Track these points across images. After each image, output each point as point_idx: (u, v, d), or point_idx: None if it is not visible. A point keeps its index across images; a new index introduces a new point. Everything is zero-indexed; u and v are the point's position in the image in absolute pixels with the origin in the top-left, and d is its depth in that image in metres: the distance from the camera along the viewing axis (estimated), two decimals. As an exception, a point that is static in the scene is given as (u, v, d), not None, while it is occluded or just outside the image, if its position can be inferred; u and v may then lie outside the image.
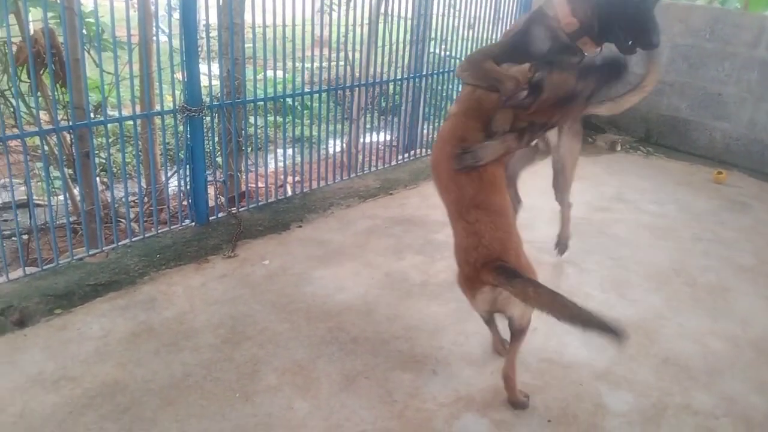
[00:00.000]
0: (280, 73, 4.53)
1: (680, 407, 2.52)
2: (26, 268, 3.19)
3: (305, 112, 4.85)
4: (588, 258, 3.66)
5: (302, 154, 4.64)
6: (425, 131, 5.90)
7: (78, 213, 4.33)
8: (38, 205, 3.81)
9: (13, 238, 3.97)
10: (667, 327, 3.05)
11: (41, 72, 4.04)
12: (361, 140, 5.60)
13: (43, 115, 4.38)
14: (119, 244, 3.50)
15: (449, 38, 5.68)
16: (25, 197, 3.75)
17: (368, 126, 5.73)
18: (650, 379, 2.67)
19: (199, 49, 3.71)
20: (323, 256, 3.52)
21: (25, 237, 3.77)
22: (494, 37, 5.97)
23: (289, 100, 4.84)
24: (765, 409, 2.55)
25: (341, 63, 5.10)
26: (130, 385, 2.45)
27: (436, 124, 5.79)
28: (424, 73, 5.66)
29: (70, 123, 3.42)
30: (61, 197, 4.01)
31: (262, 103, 4.45)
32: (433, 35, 5.71)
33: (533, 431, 2.34)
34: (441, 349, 2.77)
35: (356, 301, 3.09)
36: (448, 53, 5.91)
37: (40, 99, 4.12)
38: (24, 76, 3.93)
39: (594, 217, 4.23)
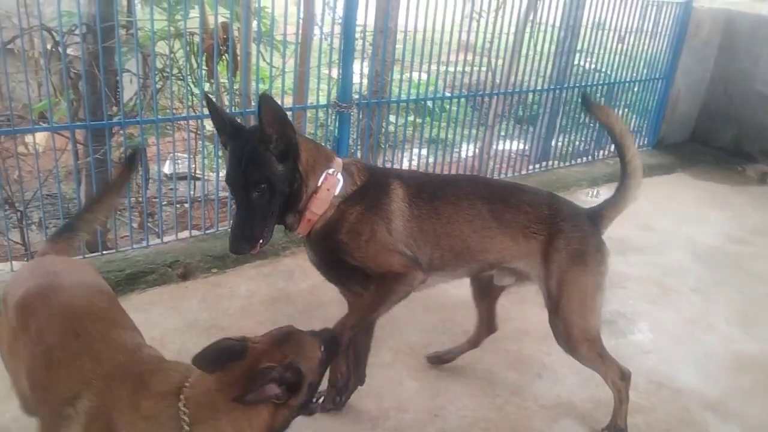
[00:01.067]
0: (423, 76, 4.78)
1: (795, 451, 2.44)
2: (192, 231, 3.72)
3: (443, 114, 5.06)
4: (717, 289, 3.55)
5: (435, 155, 4.86)
6: (560, 143, 5.90)
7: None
8: (203, 179, 4.39)
9: (185, 205, 4.58)
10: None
11: (218, 61, 4.61)
12: (494, 147, 5.71)
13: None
14: (267, 220, 3.95)
15: (597, 51, 5.63)
16: (190, 171, 4.35)
17: (503, 133, 5.83)
18: (763, 418, 2.59)
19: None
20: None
21: (190, 204, 4.35)
22: (647, 51, 5.82)
23: (429, 103, 5.10)
24: None
25: (483, 69, 5.26)
26: (267, 341, 2.83)
27: (572, 137, 5.78)
28: (567, 85, 5.66)
29: (240, 110, 3.89)
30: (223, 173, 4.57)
31: (404, 103, 4.72)
32: (579, 47, 5.69)
33: (632, 447, 2.39)
34: (549, 355, 2.86)
35: (471, 298, 3.26)
36: (594, 66, 5.85)
37: (213, 85, 4.73)
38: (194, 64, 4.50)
39: (729, 249, 4.05)
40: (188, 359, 2.60)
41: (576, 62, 5.77)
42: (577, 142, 5.92)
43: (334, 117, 4.01)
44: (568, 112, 5.75)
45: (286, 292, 3.23)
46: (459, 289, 3.30)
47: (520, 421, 2.47)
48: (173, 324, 2.91)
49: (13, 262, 3.20)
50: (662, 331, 3.12)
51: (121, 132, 3.71)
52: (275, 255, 3.56)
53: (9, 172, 3.97)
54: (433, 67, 4.56)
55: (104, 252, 3.37)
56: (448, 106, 5.02)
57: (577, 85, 5.65)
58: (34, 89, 4.45)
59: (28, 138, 3.97)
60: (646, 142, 6.35)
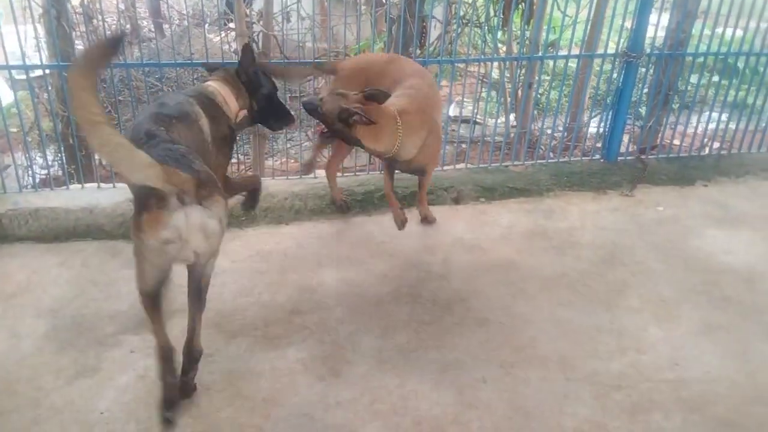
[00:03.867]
0: (738, 33, 4.32)
1: None
2: (467, 164, 4.15)
3: (755, 77, 4.52)
4: None
5: (738, 121, 4.41)
6: None
7: (510, 134, 5.20)
8: (480, 124, 4.78)
9: (462, 144, 5.05)
10: None
11: (514, 9, 4.87)
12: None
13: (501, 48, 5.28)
14: (537, 162, 4.18)
15: None
16: (471, 115, 4.75)
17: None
18: None
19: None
20: (721, 218, 3.52)
21: (469, 144, 4.78)
22: None
23: (735, 61, 4.61)
24: None
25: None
26: (521, 266, 3.12)
27: None
28: None
29: (528, 55, 4.12)
30: (500, 119, 4.90)
31: (702, 58, 4.37)
32: None
33: None
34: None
35: (741, 266, 3.08)
36: None
37: (506, 33, 5.02)
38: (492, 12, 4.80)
39: None
40: (451, 267, 3.07)
41: None
42: None
43: (620, 68, 3.98)
44: None
45: (544, 228, 3.46)
46: (730, 257, 3.16)
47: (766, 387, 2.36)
48: (443, 238, 3.37)
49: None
50: None
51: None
52: (538, 194, 3.79)
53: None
54: (752, 23, 4.12)
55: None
56: (762, 68, 4.47)
57: None
58: (354, 32, 5.28)
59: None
60: None
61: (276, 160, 5.70)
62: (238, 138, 3.09)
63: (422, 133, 2.94)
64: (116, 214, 3.34)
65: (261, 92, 2.79)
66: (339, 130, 2.80)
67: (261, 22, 4.27)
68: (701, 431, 2.16)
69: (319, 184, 3.70)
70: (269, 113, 2.86)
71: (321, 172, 3.77)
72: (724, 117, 4.50)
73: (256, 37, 4.40)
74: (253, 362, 2.41)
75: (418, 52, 4.41)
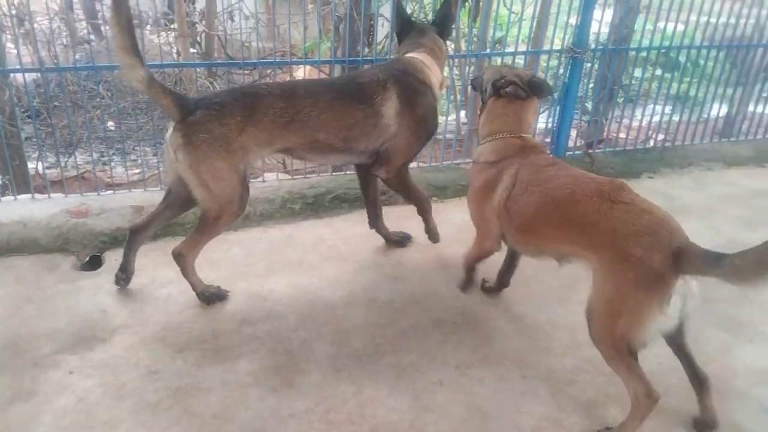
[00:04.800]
0: (678, 27, 4.44)
1: None
2: (419, 163, 4.12)
3: (696, 70, 4.65)
4: None
5: (681, 113, 4.53)
6: None
7: (461, 131, 5.20)
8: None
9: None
10: None
11: (461, 7, 4.86)
12: (750, 108, 5.12)
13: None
14: (488, 159, 4.18)
15: None
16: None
17: (765, 94, 5.17)
18: None
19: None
20: (667, 209, 3.55)
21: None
22: None
23: (677, 54, 4.73)
24: None
25: (751, 22, 4.70)
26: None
27: None
28: None
29: (476, 53, 4.12)
30: (451, 117, 4.89)
31: (645, 53, 4.47)
32: None
33: None
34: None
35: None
36: None
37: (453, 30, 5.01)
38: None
39: None
40: (405, 268, 3.02)
41: None
42: None
43: (566, 64, 4.02)
44: None
45: (497, 225, 3.45)
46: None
47: (720, 379, 2.40)
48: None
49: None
50: None
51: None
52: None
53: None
54: (692, 17, 4.22)
55: (347, 172, 3.93)
56: (703, 61, 4.60)
57: None
58: (301, 31, 5.18)
59: (298, 71, 4.70)
60: None
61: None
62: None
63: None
64: (52, 227, 3.17)
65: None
66: (484, 100, 2.61)
67: (203, 22, 4.14)
68: (656, 423, 2.17)
69: (268, 188, 3.60)
70: None
71: (269, 175, 3.67)
72: (667, 110, 4.61)
73: (198, 38, 4.27)
74: (202, 377, 2.31)
75: (366, 50, 4.35)
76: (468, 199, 2.57)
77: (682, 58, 4.61)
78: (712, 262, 1.81)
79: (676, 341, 2.08)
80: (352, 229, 3.40)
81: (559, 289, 2.91)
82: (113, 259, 3.03)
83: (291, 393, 2.24)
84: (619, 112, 4.66)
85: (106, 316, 2.64)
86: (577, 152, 4.30)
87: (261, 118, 2.46)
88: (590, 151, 4.28)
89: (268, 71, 4.50)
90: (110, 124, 6.07)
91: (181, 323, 2.60)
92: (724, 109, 5.12)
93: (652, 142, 4.67)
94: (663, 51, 4.46)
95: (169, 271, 2.89)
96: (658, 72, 4.77)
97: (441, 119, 5.10)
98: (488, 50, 4.28)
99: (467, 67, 4.58)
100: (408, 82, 2.73)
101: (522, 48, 4.60)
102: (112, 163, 5.33)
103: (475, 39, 4.50)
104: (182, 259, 2.63)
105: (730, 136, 4.74)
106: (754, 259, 1.70)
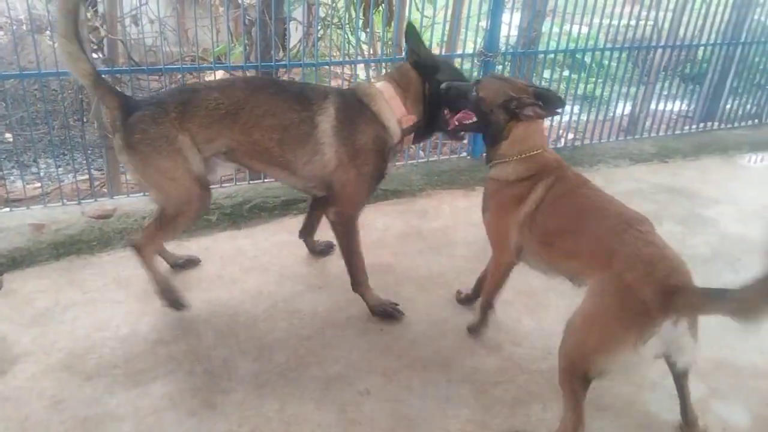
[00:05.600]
0: (584, 30, 4.64)
1: None
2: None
3: (600, 71, 4.88)
4: None
5: (588, 112, 4.73)
6: (728, 105, 5.44)
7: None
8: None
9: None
10: None
11: (374, 11, 4.87)
12: (653, 105, 5.43)
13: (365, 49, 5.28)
14: (408, 162, 4.20)
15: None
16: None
17: (665, 92, 5.50)
18: None
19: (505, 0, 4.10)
20: (579, 207, 3.73)
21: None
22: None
23: (584, 57, 4.94)
24: None
25: (650, 23, 4.98)
26: (397, 269, 3.10)
27: (744, 100, 5.30)
28: (742, 40, 5.18)
29: (390, 57, 4.12)
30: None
31: (554, 55, 4.65)
32: (762, -1, 5.15)
33: (750, 407, 2.34)
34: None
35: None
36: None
37: (368, 34, 5.01)
38: (353, 14, 4.79)
39: None
40: (328, 277, 2.97)
41: (757, 17, 5.23)
42: (747, 105, 5.43)
43: (479, 66, 4.10)
44: (741, 72, 5.27)
45: (418, 229, 3.47)
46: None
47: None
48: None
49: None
50: None
51: (286, 73, 4.12)
52: (411, 195, 3.81)
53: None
54: (595, 20, 4.41)
55: (265, 180, 3.83)
56: (607, 62, 4.84)
57: (755, 41, 5.14)
58: (211, 35, 5.04)
59: (209, 76, 4.54)
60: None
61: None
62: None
63: None
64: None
65: (436, 79, 2.50)
66: (492, 122, 2.34)
67: (105, 27, 3.92)
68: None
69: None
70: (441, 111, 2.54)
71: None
72: (576, 109, 4.81)
73: (100, 43, 4.04)
74: (113, 405, 2.16)
75: (281, 54, 4.27)
76: (489, 213, 2.44)
77: (587, 60, 4.81)
78: (713, 297, 1.70)
79: (676, 376, 2.03)
80: (272, 238, 3.31)
81: (480, 290, 2.95)
82: (12, 282, 2.80)
83: (212, 415, 2.14)
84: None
85: (5, 344, 2.43)
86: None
87: (195, 112, 2.35)
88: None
89: (178, 77, 4.33)
90: (8, 135, 5.66)
91: (89, 348, 2.43)
92: (628, 108, 5.40)
93: (563, 142, 4.85)
94: (569, 53, 4.65)
95: (73, 293, 2.71)
96: (566, 73, 4.96)
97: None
98: (404, 54, 4.28)
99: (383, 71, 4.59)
100: (350, 102, 2.52)
101: (436, 51, 4.66)
102: (11, 177, 4.97)
103: (389, 43, 4.52)
104: (139, 251, 2.52)
105: (634, 134, 4.99)
106: (763, 289, 1.54)
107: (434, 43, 4.29)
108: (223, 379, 2.31)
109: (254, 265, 3.06)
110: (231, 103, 2.38)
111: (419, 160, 4.23)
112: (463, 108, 2.44)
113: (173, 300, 2.63)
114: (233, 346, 2.48)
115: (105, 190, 4.27)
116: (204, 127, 2.36)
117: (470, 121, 2.42)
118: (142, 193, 3.54)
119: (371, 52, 5.10)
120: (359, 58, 4.61)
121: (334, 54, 5.02)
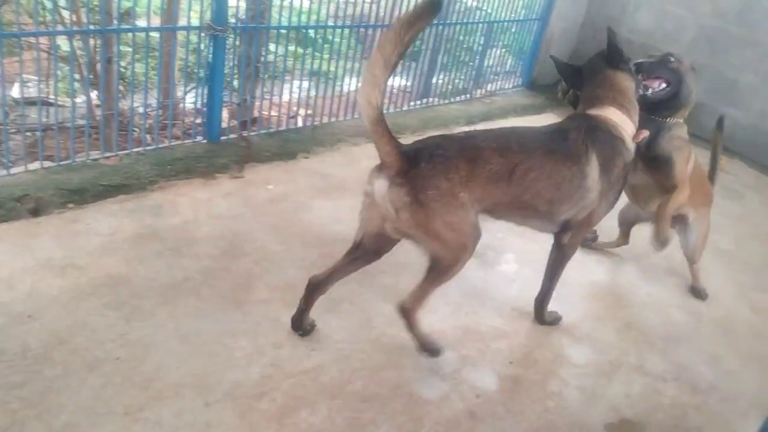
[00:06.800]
0: (306, 4, 4.55)
1: (633, 367, 2.74)
2: (44, 162, 3.36)
3: (326, 46, 4.87)
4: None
5: (317, 88, 4.70)
6: (440, 81, 5.94)
7: (95, 116, 4.47)
8: (57, 105, 3.93)
9: (34, 133, 4.12)
10: (636, 295, 3.25)
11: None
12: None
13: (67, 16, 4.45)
14: (133, 150, 3.66)
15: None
16: (43, 95, 3.90)
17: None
18: (611, 339, 2.88)
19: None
20: (325, 188, 3.69)
21: (42, 132, 3.92)
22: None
23: (312, 33, 4.88)
24: (711, 379, 2.76)
25: (368, 1, 5.11)
26: (132, 279, 2.66)
27: (452, 76, 5.84)
28: (449, 21, 5.67)
29: (99, 28, 3.50)
30: (79, 99, 4.14)
31: (284, 31, 4.48)
32: (462, -17, 5.68)
33: (496, 369, 2.56)
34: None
35: (350, 233, 3.23)
36: (477, 4, 5.89)
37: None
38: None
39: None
40: (40, 301, 2.42)
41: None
42: (456, 81, 6.01)
43: (208, 41, 3.73)
44: (450, 50, 5.79)
45: (153, 228, 3.03)
46: (340, 225, 3.31)
47: (393, 351, 2.55)
48: (23, 263, 2.64)
49: None
50: (527, 262, 3.32)
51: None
52: (141, 189, 3.31)
53: None
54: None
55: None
56: (331, 37, 4.84)
57: (460, 22, 5.67)
58: None
59: None
60: (520, 82, 6.57)
61: None
62: None
63: None
64: None
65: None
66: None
67: None
68: (346, 415, 2.17)
69: None
70: None
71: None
72: (306, 85, 4.74)
73: None
74: None
75: None
76: (681, 164, 2.94)
77: (312, 34, 4.78)
78: None
79: None
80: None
81: (233, 291, 2.70)
82: None
83: None
84: (267, 89, 4.59)
85: None
86: (232, 136, 4.09)
87: (480, 173, 2.27)
88: (245, 133, 4.12)
89: None
90: None
91: None
92: (357, 85, 5.54)
93: (300, 120, 4.76)
94: (301, 30, 4.54)
95: None
96: (295, 48, 4.86)
97: (68, 102, 4.30)
98: (115, 24, 3.69)
99: (93, 41, 3.91)
100: (605, 139, 2.55)
101: (154, 21, 4.12)
102: None
103: (96, 9, 3.84)
104: (410, 314, 2.39)
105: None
106: None
107: (151, 12, 3.77)
108: None
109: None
110: (508, 169, 2.32)
111: (146, 148, 3.71)
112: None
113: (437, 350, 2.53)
114: None
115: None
116: (480, 186, 2.28)
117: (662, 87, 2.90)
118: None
119: (74, 19, 4.30)
120: (59, 27, 3.84)
121: (26, 22, 4.11)
